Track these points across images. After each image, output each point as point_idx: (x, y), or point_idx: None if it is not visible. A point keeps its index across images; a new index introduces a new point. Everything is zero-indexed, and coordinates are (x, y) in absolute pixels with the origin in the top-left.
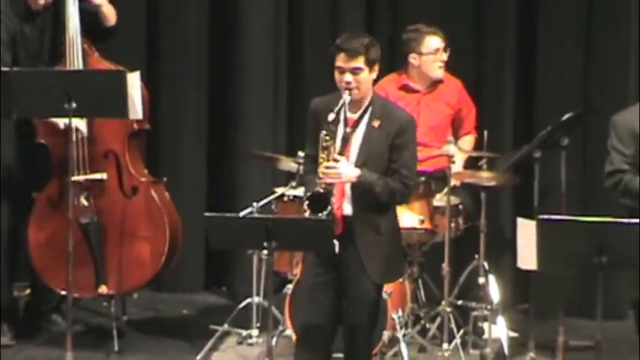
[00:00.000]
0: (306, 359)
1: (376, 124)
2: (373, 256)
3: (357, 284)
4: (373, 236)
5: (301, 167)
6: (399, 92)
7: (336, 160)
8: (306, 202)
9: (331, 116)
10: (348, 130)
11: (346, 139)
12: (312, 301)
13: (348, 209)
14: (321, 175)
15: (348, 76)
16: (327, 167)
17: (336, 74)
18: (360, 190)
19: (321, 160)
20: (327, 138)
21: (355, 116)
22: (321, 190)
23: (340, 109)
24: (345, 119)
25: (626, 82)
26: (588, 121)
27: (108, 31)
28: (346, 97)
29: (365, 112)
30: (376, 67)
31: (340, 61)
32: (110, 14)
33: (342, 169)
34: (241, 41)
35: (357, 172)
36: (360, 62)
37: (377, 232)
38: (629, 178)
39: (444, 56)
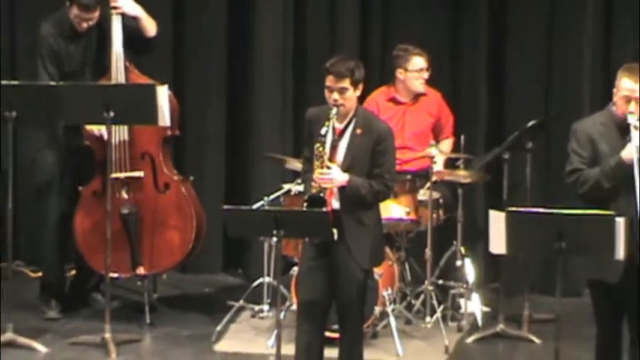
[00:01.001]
0: (306, 328)
1: (359, 132)
2: (359, 244)
3: (346, 268)
4: (358, 228)
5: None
6: (387, 103)
7: (328, 167)
8: (305, 204)
9: (323, 130)
10: (336, 137)
11: (334, 146)
12: (309, 281)
13: (336, 205)
14: (316, 180)
15: (336, 95)
16: (321, 173)
17: (326, 92)
18: (348, 192)
19: (315, 166)
20: (320, 149)
21: (341, 126)
22: (319, 194)
23: (332, 124)
24: (334, 129)
25: (580, 94)
26: (549, 127)
27: (149, 41)
28: (334, 112)
29: (350, 122)
30: (360, 86)
31: (329, 81)
32: (150, 25)
33: (334, 175)
34: (255, 60)
35: (346, 177)
36: (346, 83)
37: (362, 225)
38: (586, 173)
39: (426, 75)
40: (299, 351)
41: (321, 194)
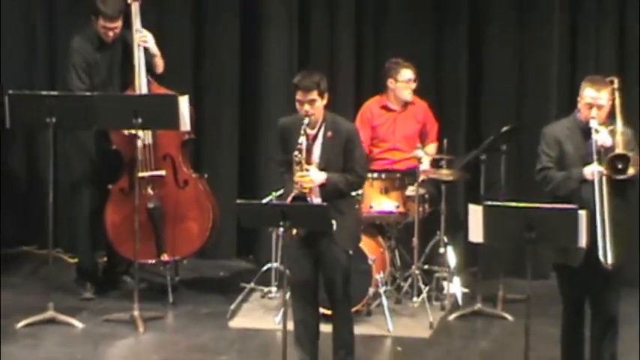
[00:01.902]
0: (299, 307)
1: (330, 135)
2: (341, 231)
3: (331, 254)
4: (339, 217)
5: None
6: (380, 111)
7: (307, 170)
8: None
9: (301, 139)
10: (310, 142)
11: (309, 150)
12: (297, 266)
13: (317, 200)
14: (297, 182)
15: (307, 106)
16: (302, 176)
17: (298, 105)
18: (328, 188)
19: (295, 171)
20: (299, 155)
21: (313, 132)
22: (301, 194)
23: (305, 132)
24: (306, 135)
25: (548, 103)
26: (521, 132)
27: (156, 77)
28: (306, 121)
29: (320, 127)
30: (326, 96)
31: (299, 95)
32: (160, 64)
33: (314, 176)
34: (264, 71)
35: (324, 175)
36: (314, 95)
37: (341, 213)
38: (552, 172)
39: (413, 85)
40: (296, 326)
41: (304, 193)
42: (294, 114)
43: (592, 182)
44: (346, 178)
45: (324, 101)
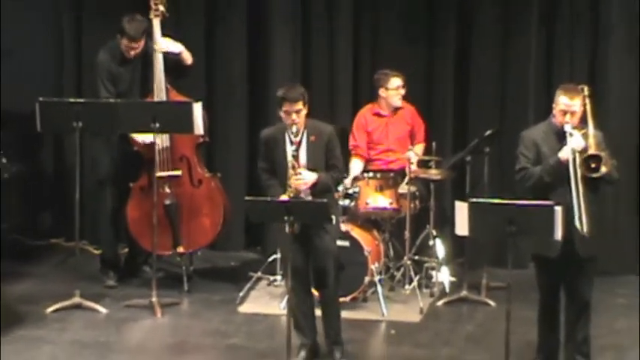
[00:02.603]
0: (295, 291)
1: (313, 139)
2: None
3: (322, 243)
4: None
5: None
6: (373, 117)
7: (300, 173)
8: None
9: (293, 146)
10: (294, 147)
11: (296, 155)
12: (293, 255)
13: (308, 198)
14: (293, 184)
15: (294, 116)
16: (297, 179)
17: (284, 115)
18: (319, 187)
19: (290, 174)
20: (292, 160)
21: (298, 138)
22: (297, 195)
23: (291, 140)
24: (292, 142)
25: (526, 109)
26: (502, 136)
27: (187, 68)
28: (294, 129)
29: (303, 133)
30: (307, 105)
31: (287, 107)
32: (188, 56)
33: (307, 178)
34: (270, 80)
35: (315, 176)
36: (300, 105)
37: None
38: (531, 170)
39: (402, 92)
40: (294, 313)
41: (300, 194)
42: (274, 126)
43: (567, 177)
44: (331, 175)
45: (306, 110)
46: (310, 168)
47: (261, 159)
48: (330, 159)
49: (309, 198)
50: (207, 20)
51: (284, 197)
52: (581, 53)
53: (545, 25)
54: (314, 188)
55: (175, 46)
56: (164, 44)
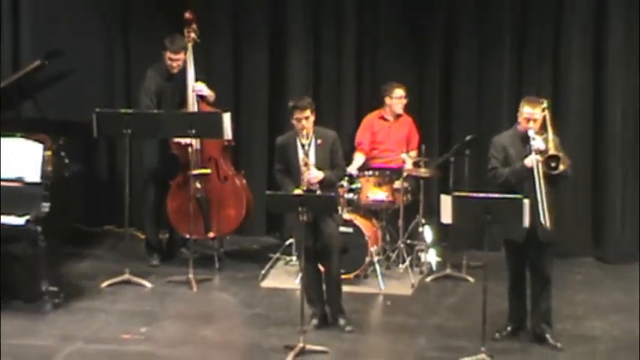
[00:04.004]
0: (308, 268)
1: (320, 142)
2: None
3: (327, 227)
4: None
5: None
6: (379, 121)
7: (310, 169)
8: None
9: (306, 148)
10: (306, 150)
11: (307, 156)
12: (306, 239)
13: (318, 192)
14: (306, 179)
15: (304, 122)
16: (310, 175)
17: (295, 122)
18: (325, 183)
19: (303, 171)
20: (306, 160)
21: (307, 142)
22: (311, 188)
23: (301, 143)
24: (302, 145)
25: (500, 118)
26: (480, 141)
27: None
28: (304, 134)
29: (312, 138)
30: (314, 112)
31: (298, 114)
32: (211, 99)
33: (317, 174)
34: (287, 92)
35: (322, 174)
36: (308, 112)
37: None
38: (500, 170)
39: (404, 101)
40: (308, 284)
41: (312, 188)
42: (286, 134)
43: (532, 178)
44: (336, 173)
45: (314, 117)
46: (318, 167)
47: (277, 161)
48: (335, 159)
49: (318, 192)
50: (234, 43)
51: (297, 192)
52: (545, 72)
53: (515, 50)
54: (322, 183)
55: (207, 91)
56: (198, 87)
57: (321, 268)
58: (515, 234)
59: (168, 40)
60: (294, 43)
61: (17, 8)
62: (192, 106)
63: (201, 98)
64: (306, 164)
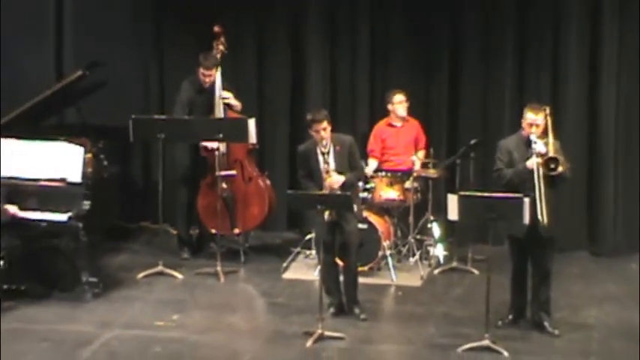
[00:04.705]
0: (324, 263)
1: (338, 148)
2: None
3: (349, 225)
4: (353, 199)
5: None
6: (387, 127)
7: (331, 175)
8: None
9: (325, 156)
10: (326, 157)
11: (327, 162)
12: (326, 234)
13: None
14: (329, 185)
15: (322, 132)
16: (332, 180)
17: (314, 133)
18: (346, 186)
19: (326, 177)
20: (327, 166)
21: (326, 149)
22: (331, 191)
23: (321, 151)
24: (322, 153)
25: (503, 123)
26: (484, 144)
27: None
28: (324, 143)
29: (330, 145)
30: (330, 122)
31: (315, 126)
32: (237, 105)
33: (338, 179)
34: (306, 100)
35: (342, 178)
36: (325, 124)
37: (354, 197)
38: (504, 172)
39: (406, 105)
40: (326, 276)
41: (333, 191)
42: (306, 142)
43: (532, 178)
44: (354, 175)
45: (330, 127)
46: (338, 171)
47: (300, 168)
48: (353, 162)
49: (339, 192)
50: (258, 55)
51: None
52: (544, 81)
53: (517, 61)
54: (343, 186)
55: (234, 101)
56: (225, 95)
57: (340, 262)
58: (517, 230)
59: (202, 56)
60: (313, 55)
61: (61, 24)
62: (220, 112)
63: (228, 107)
64: (327, 171)
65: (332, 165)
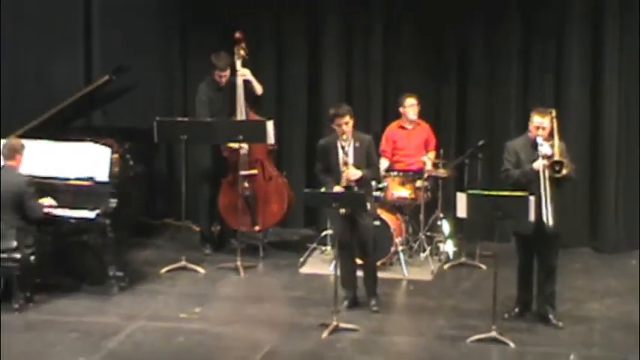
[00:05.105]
0: (342, 259)
1: (357, 144)
2: (369, 205)
3: (364, 221)
4: (368, 197)
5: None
6: (398, 130)
7: (349, 168)
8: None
9: (345, 150)
10: (346, 151)
11: (346, 154)
12: (342, 231)
13: (356, 189)
14: (346, 177)
15: (344, 127)
16: (349, 173)
17: (336, 127)
18: (363, 181)
19: (343, 170)
20: (346, 161)
21: (347, 144)
22: (349, 185)
23: (341, 145)
24: (342, 147)
25: (509, 125)
26: (490, 145)
27: (257, 98)
28: (344, 137)
29: (351, 140)
30: (353, 117)
31: (339, 120)
32: (258, 87)
33: (356, 172)
34: (322, 103)
35: (360, 172)
36: (347, 118)
37: (369, 195)
38: (512, 171)
39: (416, 108)
40: (342, 273)
41: (351, 185)
42: (327, 137)
43: (538, 178)
44: (371, 172)
45: (352, 122)
46: (355, 166)
47: (318, 161)
48: (370, 160)
49: (355, 189)
50: (277, 59)
51: (337, 188)
52: (548, 85)
53: (522, 66)
54: (359, 181)
55: (250, 76)
56: (242, 71)
57: (360, 261)
58: (524, 227)
59: (214, 58)
60: (330, 58)
61: (89, 31)
62: (242, 114)
63: (246, 83)
64: (345, 164)
65: (350, 159)
